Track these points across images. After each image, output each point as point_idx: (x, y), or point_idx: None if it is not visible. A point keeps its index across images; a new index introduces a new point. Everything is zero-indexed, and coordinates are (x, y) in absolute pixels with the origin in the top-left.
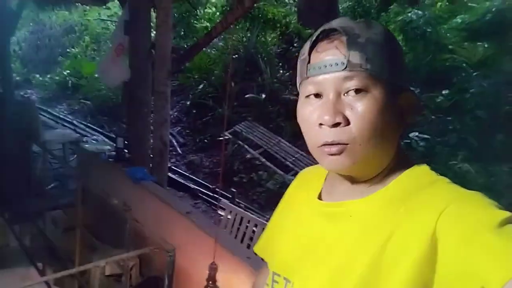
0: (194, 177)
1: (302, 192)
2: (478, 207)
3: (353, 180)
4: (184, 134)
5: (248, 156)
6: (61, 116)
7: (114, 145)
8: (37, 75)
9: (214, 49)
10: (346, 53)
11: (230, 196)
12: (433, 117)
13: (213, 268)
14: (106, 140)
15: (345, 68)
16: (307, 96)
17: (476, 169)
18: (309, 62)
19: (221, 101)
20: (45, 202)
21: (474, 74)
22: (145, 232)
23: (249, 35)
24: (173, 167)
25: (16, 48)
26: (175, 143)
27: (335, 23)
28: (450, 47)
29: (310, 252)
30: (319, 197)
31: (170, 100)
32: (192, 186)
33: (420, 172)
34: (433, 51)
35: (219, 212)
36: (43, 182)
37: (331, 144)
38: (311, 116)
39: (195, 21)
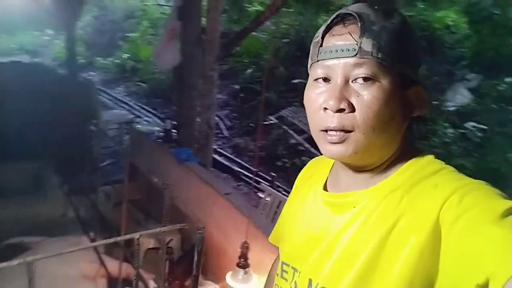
0: (238, 160)
1: (309, 182)
2: (482, 196)
3: (356, 169)
4: (232, 118)
5: (293, 141)
6: (119, 98)
7: (163, 126)
8: (99, 58)
9: (264, 33)
10: (359, 39)
11: (270, 179)
12: (493, 106)
13: (245, 247)
14: (157, 121)
15: (356, 54)
16: (316, 80)
17: None
18: (321, 45)
19: (268, 85)
20: (100, 178)
21: None
22: (185, 211)
23: (301, 18)
24: (219, 149)
25: (81, 32)
26: (222, 126)
27: (352, 8)
28: None
29: (316, 242)
30: (325, 187)
31: (217, 84)
32: (236, 168)
33: (425, 162)
34: (500, 35)
35: (260, 194)
36: (99, 159)
37: (334, 129)
38: (317, 99)
39: (247, 5)
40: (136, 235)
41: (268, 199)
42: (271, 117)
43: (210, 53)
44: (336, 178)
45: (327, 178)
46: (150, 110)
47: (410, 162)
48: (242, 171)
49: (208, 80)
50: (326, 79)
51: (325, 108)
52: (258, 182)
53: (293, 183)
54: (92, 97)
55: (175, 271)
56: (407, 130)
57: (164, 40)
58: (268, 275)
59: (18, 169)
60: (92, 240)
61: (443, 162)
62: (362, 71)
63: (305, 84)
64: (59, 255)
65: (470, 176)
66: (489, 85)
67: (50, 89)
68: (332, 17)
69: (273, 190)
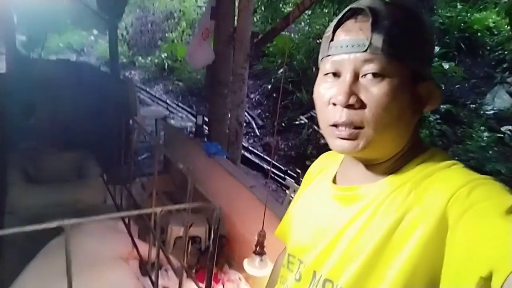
0: (268, 158)
1: (319, 176)
2: (489, 192)
3: (365, 163)
4: (263, 117)
5: (323, 141)
6: (156, 95)
7: (195, 122)
8: (140, 58)
9: (299, 34)
10: (369, 35)
11: (295, 176)
12: None
13: (261, 235)
14: (190, 117)
15: (366, 50)
16: (325, 74)
17: None
18: (332, 40)
19: (300, 85)
20: (136, 169)
21: None
22: (210, 197)
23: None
24: (250, 147)
25: (123, 33)
26: (254, 125)
27: (363, 3)
28: None
29: (322, 235)
30: (334, 181)
31: (247, 82)
32: (266, 166)
33: (434, 157)
34: None
35: (287, 191)
36: (136, 153)
37: (342, 124)
38: (326, 94)
39: (283, 6)
40: (157, 210)
41: (292, 195)
42: (302, 117)
43: (241, 52)
44: (346, 172)
45: (336, 172)
46: (185, 107)
47: (419, 157)
48: (272, 169)
49: (238, 78)
50: (335, 74)
51: (334, 103)
52: (284, 179)
53: None
54: (131, 94)
55: (202, 260)
56: (417, 125)
57: (198, 39)
58: (273, 268)
59: (62, 158)
60: (127, 226)
61: (453, 158)
62: (372, 67)
63: None
64: (97, 238)
65: (505, 183)
66: None
67: (94, 86)
68: (343, 12)
69: (296, 185)
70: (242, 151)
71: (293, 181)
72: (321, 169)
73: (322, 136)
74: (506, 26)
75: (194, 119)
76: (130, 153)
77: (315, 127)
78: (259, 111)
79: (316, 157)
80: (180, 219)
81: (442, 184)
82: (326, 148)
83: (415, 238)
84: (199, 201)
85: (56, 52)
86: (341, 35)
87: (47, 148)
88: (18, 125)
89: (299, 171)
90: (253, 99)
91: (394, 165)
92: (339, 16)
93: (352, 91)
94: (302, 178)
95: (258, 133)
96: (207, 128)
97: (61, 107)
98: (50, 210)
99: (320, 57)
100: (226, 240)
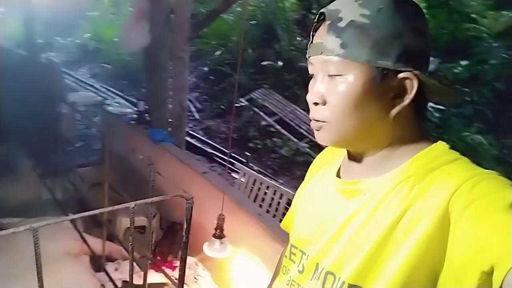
0: (210, 142)
1: (323, 169)
2: (492, 186)
3: (357, 157)
4: (202, 100)
5: (264, 123)
6: (82, 79)
7: (136, 108)
8: (59, 38)
9: (231, 15)
10: (325, 38)
11: (245, 161)
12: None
13: (220, 219)
14: (127, 103)
15: (322, 53)
16: (310, 75)
17: (489, 141)
18: (311, 42)
19: (237, 67)
20: (73, 159)
21: (495, 45)
22: (167, 188)
23: (267, 0)
24: (190, 132)
25: (38, 11)
26: (193, 109)
27: (329, 6)
28: (473, 16)
29: (325, 227)
30: (338, 174)
31: (188, 65)
32: (209, 150)
33: (439, 152)
34: (456, 20)
35: (233, 175)
36: (69, 141)
37: (313, 119)
38: (308, 93)
39: None
40: (131, 204)
41: (243, 179)
42: (242, 99)
43: (180, 34)
44: (349, 166)
45: (340, 166)
46: (117, 92)
47: (424, 151)
48: (215, 152)
49: (179, 62)
50: (313, 74)
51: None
52: (232, 164)
53: (266, 164)
54: (58, 79)
55: (158, 250)
56: (414, 118)
57: (132, 20)
58: (279, 259)
59: None
60: (72, 220)
61: (458, 153)
62: (329, 68)
63: (274, 66)
64: (43, 234)
65: None
66: (446, 68)
67: (13, 70)
68: (317, 15)
69: (247, 169)
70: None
71: (243, 164)
72: (325, 162)
73: (263, 118)
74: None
75: (131, 105)
76: (64, 143)
77: (256, 109)
78: (197, 94)
79: (259, 139)
80: (127, 209)
81: (445, 179)
82: (266, 129)
83: (418, 232)
84: (158, 191)
85: None
86: (312, 38)
87: None
88: None
89: (248, 154)
90: (190, 82)
91: (397, 159)
92: (316, 20)
93: (317, 90)
94: (252, 164)
95: (197, 117)
96: (147, 114)
97: None
98: None
99: None
100: (179, 226)
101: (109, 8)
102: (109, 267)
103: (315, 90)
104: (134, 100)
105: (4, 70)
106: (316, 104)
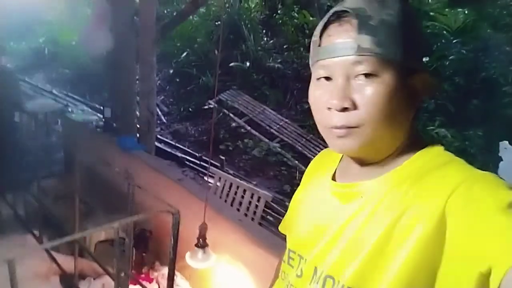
0: (180, 146)
1: (319, 172)
2: (489, 187)
3: (364, 161)
4: (168, 103)
5: (234, 124)
6: (39, 86)
7: (101, 115)
8: (11, 43)
9: (196, 16)
10: (356, 37)
11: (219, 164)
12: None
13: (203, 228)
14: (91, 110)
15: (355, 52)
16: (318, 79)
17: (452, 133)
18: (319, 45)
19: (204, 69)
20: (34, 171)
21: (454, 41)
22: (142, 198)
23: (231, 1)
24: (158, 136)
25: None
26: (159, 112)
27: (347, 4)
28: (431, 13)
29: (323, 231)
30: (334, 178)
31: (155, 68)
32: (179, 154)
33: (434, 153)
34: None
35: (207, 179)
36: (28, 152)
37: (340, 128)
38: (321, 98)
39: None
40: (115, 224)
41: (218, 183)
42: (210, 101)
43: (146, 37)
44: (345, 169)
45: (336, 169)
46: (78, 98)
47: (419, 153)
48: (186, 156)
49: (146, 65)
50: (328, 78)
51: (329, 108)
52: (204, 167)
53: (238, 166)
54: (13, 85)
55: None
56: (414, 119)
57: (93, 23)
58: (277, 265)
59: None
60: (37, 238)
61: (452, 154)
62: (362, 68)
63: (241, 67)
64: (5, 255)
65: None
66: None
67: None
68: (328, 15)
69: (222, 173)
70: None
71: (217, 168)
72: (320, 165)
73: (233, 119)
74: None
75: (95, 112)
76: (21, 155)
77: (225, 111)
78: (163, 97)
79: (230, 141)
80: (98, 222)
81: (441, 180)
82: (237, 131)
83: (416, 235)
84: (136, 204)
85: None
86: (328, 39)
87: None
88: None
89: (222, 157)
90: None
91: (393, 162)
92: (325, 20)
93: (345, 94)
94: (225, 166)
95: (164, 120)
96: (114, 121)
97: None
98: None
99: (310, 62)
100: (149, 234)
101: (65, 11)
102: (81, 285)
103: (343, 94)
104: (98, 106)
105: None
106: (344, 109)
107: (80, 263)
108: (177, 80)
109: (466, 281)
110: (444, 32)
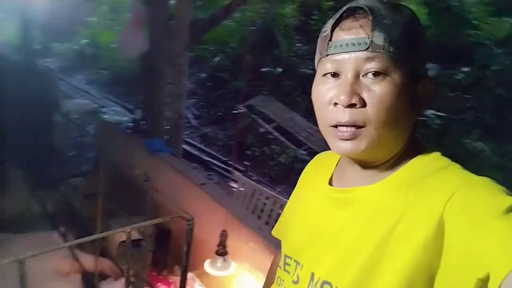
0: (207, 150)
1: (315, 177)
2: (486, 193)
3: (363, 165)
4: (199, 107)
5: (262, 130)
6: (78, 86)
7: (132, 116)
8: (56, 44)
9: (230, 21)
10: (370, 33)
11: (243, 169)
12: (451, 94)
13: (223, 235)
14: (124, 111)
15: (367, 48)
16: (324, 75)
17: (490, 148)
18: (330, 39)
19: (236, 74)
20: (66, 169)
21: (497, 51)
22: (163, 202)
23: (267, 7)
24: (187, 139)
25: (35, 16)
26: (191, 115)
27: (362, 2)
28: (474, 22)
29: (319, 236)
30: (330, 182)
31: (186, 72)
32: (206, 158)
33: (431, 158)
34: (457, 26)
35: (231, 184)
36: (63, 151)
37: (345, 124)
38: (327, 94)
39: None
40: (127, 229)
41: (241, 188)
42: (240, 106)
43: (179, 41)
44: (342, 174)
45: (332, 173)
46: (113, 99)
47: (416, 158)
48: (213, 160)
49: (177, 69)
50: (335, 74)
51: (335, 103)
52: (229, 172)
53: (264, 172)
54: (53, 86)
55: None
56: (414, 125)
57: (130, 26)
58: (270, 268)
59: None
60: (63, 235)
61: (449, 159)
62: (373, 65)
63: (273, 72)
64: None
65: None
66: (447, 74)
67: (6, 77)
68: (341, 11)
69: (247, 179)
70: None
71: (242, 173)
72: (316, 170)
73: (261, 125)
74: (423, 16)
75: (128, 113)
76: (57, 153)
77: (254, 116)
78: (195, 100)
79: (256, 147)
80: (122, 222)
81: (439, 186)
82: (265, 137)
83: (414, 240)
84: (155, 207)
85: None
86: (340, 34)
87: None
88: None
89: (247, 163)
90: (187, 88)
91: (391, 166)
92: (337, 15)
93: (354, 91)
94: (249, 172)
95: (194, 124)
96: (144, 122)
97: None
98: None
99: (317, 57)
100: (170, 235)
101: (108, 14)
102: (102, 285)
103: (351, 90)
104: (132, 108)
105: None
106: (351, 105)
107: (101, 263)
108: (209, 84)
109: (464, 287)
110: (487, 41)
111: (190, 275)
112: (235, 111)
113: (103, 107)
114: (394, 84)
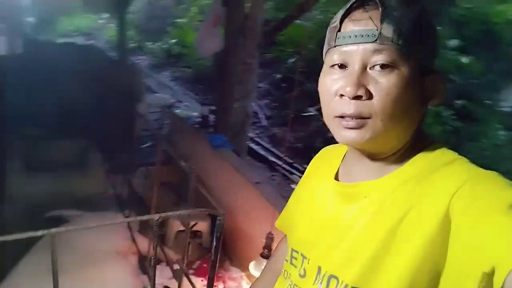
0: (274, 150)
1: (320, 171)
2: (493, 187)
3: (369, 158)
4: (271, 107)
5: (331, 134)
6: (164, 82)
7: (201, 112)
8: (149, 43)
9: (311, 22)
10: (379, 25)
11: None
12: None
13: (269, 238)
14: (196, 106)
15: (376, 40)
16: (332, 66)
17: None
18: (339, 30)
19: (310, 76)
20: (138, 159)
21: None
22: (215, 196)
23: None
24: (256, 139)
25: (133, 17)
26: (261, 115)
27: None
28: None
29: (326, 231)
30: (336, 177)
31: (257, 72)
32: (272, 158)
33: (438, 152)
34: None
35: (292, 186)
36: (139, 141)
37: (350, 116)
38: (333, 85)
39: None
40: (155, 217)
41: None
42: (311, 109)
43: (251, 40)
44: (348, 168)
45: (338, 168)
46: (192, 95)
47: (423, 152)
48: (277, 161)
49: (247, 68)
50: (342, 66)
51: (341, 95)
52: (293, 174)
53: None
54: (137, 81)
55: (204, 256)
56: (421, 119)
57: (207, 26)
58: (272, 254)
59: (64, 146)
60: (126, 218)
61: (456, 153)
62: (381, 58)
63: None
64: (96, 231)
65: None
66: None
67: (99, 71)
68: (351, 2)
69: None
70: (248, 142)
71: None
72: (322, 164)
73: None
74: None
75: (200, 109)
76: (133, 142)
77: None
78: (267, 101)
79: None
80: (180, 214)
81: (445, 180)
82: (334, 142)
83: (420, 235)
84: (201, 199)
85: (64, 35)
86: (349, 25)
87: (48, 135)
88: (19, 111)
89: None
90: (262, 89)
91: (398, 161)
92: (347, 6)
93: (360, 83)
94: None
95: (265, 124)
96: (214, 117)
97: (64, 93)
98: (51, 199)
99: (325, 48)
100: (219, 238)
101: (196, 16)
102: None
103: (358, 82)
104: (206, 104)
105: (90, 70)
106: (357, 97)
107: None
108: (283, 85)
109: (470, 281)
110: None
111: (238, 273)
112: (305, 114)
113: (180, 102)
114: (402, 77)
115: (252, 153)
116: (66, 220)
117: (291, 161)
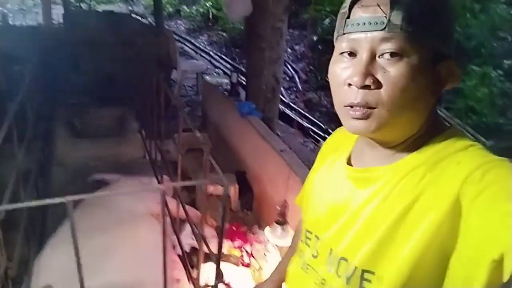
0: (309, 115)
1: (334, 153)
2: (504, 174)
3: (381, 144)
4: (307, 71)
5: None
6: (200, 47)
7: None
8: (185, 7)
9: None
10: (388, 12)
11: None
12: None
13: (283, 206)
14: (229, 73)
15: (384, 28)
16: (341, 53)
17: None
18: (348, 17)
19: None
20: (177, 124)
21: None
22: (241, 163)
23: None
24: (291, 103)
25: None
26: (297, 79)
27: None
28: None
29: (338, 214)
30: (349, 161)
31: (286, 36)
32: (306, 124)
33: (452, 139)
34: None
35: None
36: (176, 107)
37: (357, 105)
38: (342, 74)
39: None
40: (161, 186)
41: None
42: None
43: (279, 3)
44: (360, 153)
45: (351, 152)
46: (228, 60)
47: (436, 138)
48: (312, 127)
49: (275, 32)
50: (352, 53)
51: (350, 84)
52: (325, 139)
53: None
54: (171, 47)
55: (231, 219)
56: (435, 104)
57: None
58: (294, 235)
59: (105, 113)
60: (160, 183)
61: (470, 139)
62: (389, 46)
63: None
64: (132, 194)
65: None
66: None
67: (133, 39)
68: None
69: None
70: (283, 108)
71: None
72: (335, 146)
73: None
74: None
75: (232, 75)
76: (170, 109)
77: None
78: (303, 64)
79: None
80: (213, 177)
81: (456, 166)
82: None
83: (429, 220)
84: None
85: (108, 2)
86: (358, 12)
87: (91, 103)
88: (65, 80)
89: None
90: (298, 51)
91: (410, 147)
92: None
93: (368, 72)
94: None
95: (300, 88)
96: (245, 83)
97: (103, 62)
98: (94, 163)
99: (335, 35)
100: (253, 196)
101: None
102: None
103: (365, 71)
104: (241, 70)
105: (125, 38)
106: (365, 87)
107: (189, 211)
108: (319, 47)
109: (479, 268)
110: None
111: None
112: None
113: (215, 67)
114: (411, 66)
115: (287, 118)
116: (106, 183)
117: (325, 126)
